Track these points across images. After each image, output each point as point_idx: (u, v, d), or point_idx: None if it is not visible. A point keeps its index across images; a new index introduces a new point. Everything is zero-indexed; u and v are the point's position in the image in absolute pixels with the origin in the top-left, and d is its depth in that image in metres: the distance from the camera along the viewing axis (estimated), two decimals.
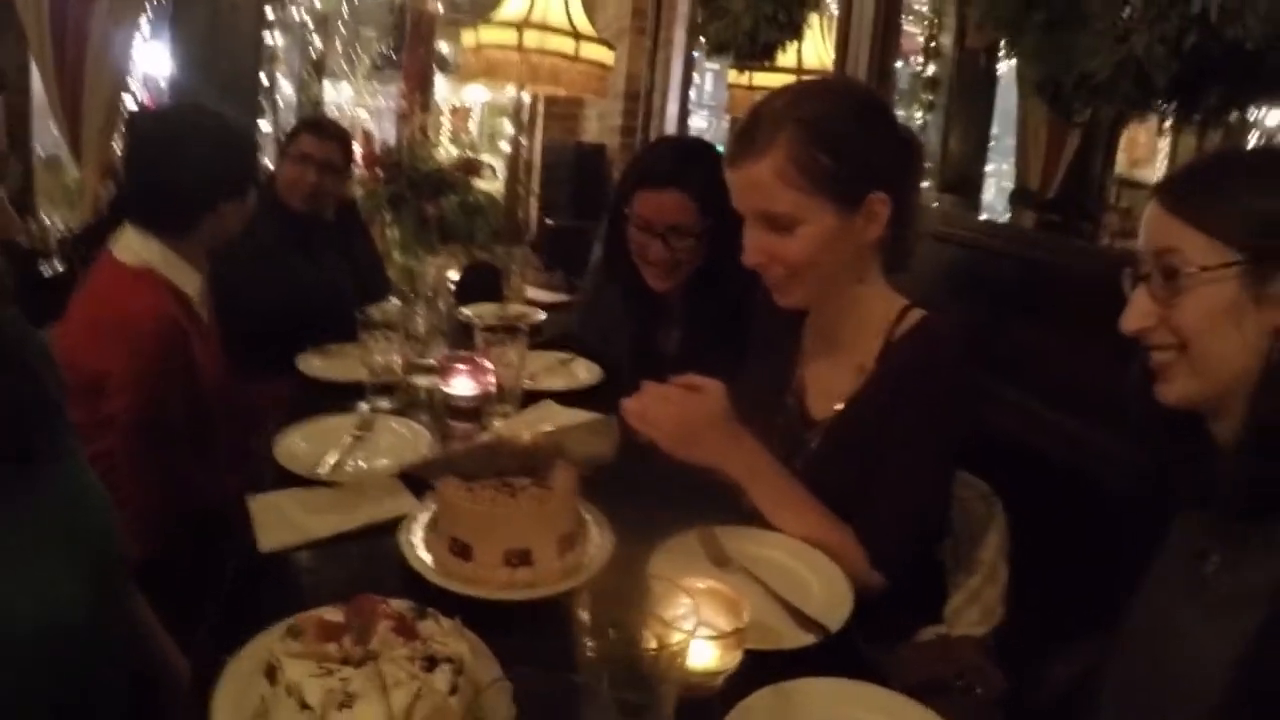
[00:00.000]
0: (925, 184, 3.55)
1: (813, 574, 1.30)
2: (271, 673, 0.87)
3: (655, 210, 2.05)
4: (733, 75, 4.12)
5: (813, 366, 1.63)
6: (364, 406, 1.89)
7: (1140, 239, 1.07)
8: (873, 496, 1.42)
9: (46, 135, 4.61)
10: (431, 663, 0.86)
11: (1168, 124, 1.76)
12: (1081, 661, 1.39)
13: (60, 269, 4.04)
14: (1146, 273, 1.04)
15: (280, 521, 1.39)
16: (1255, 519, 0.98)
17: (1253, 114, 1.86)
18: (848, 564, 1.35)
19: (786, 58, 3.67)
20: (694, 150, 2.25)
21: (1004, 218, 3.44)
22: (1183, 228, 1.00)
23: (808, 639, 1.13)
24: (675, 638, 0.86)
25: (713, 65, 5.27)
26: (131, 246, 2.04)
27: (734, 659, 1.03)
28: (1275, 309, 0.95)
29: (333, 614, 0.94)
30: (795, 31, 3.53)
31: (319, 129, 3.08)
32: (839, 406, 1.53)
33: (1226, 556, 1.02)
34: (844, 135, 1.41)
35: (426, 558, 1.26)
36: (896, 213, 1.46)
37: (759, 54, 3.63)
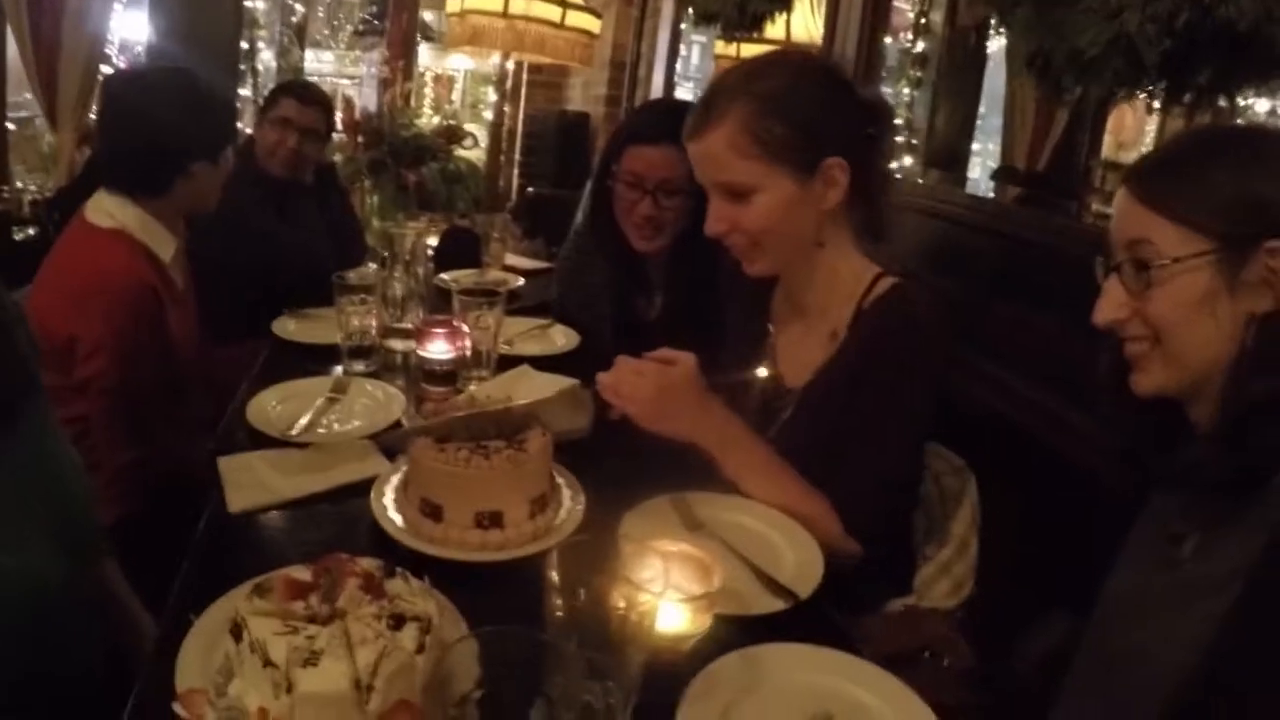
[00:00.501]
0: (909, 160, 3.56)
1: (785, 541, 1.30)
2: (237, 631, 0.86)
3: (646, 165, 2.04)
4: (720, 46, 4.10)
5: (785, 335, 1.64)
6: (338, 370, 1.88)
7: (1111, 228, 1.06)
8: (846, 463, 1.42)
9: (19, 99, 4.55)
10: (399, 621, 0.85)
11: (1156, 106, 1.75)
12: (1051, 637, 1.40)
13: (33, 233, 4.00)
14: (1118, 263, 1.03)
15: (251, 482, 1.38)
16: (1230, 502, 0.98)
17: (1241, 101, 1.86)
18: (822, 531, 1.35)
19: (775, 29, 3.66)
20: (686, 109, 2.23)
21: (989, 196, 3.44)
22: (1153, 217, 0.99)
23: (777, 605, 1.13)
24: (643, 600, 0.86)
25: (700, 37, 5.25)
26: (106, 209, 2.01)
27: (704, 623, 1.03)
28: (1249, 295, 0.95)
29: (301, 573, 0.93)
30: (784, 3, 3.51)
31: (301, 94, 3.03)
32: (811, 375, 1.54)
33: (1202, 539, 1.02)
34: (797, 103, 1.42)
35: (397, 519, 1.25)
36: (861, 179, 1.47)
37: (747, 25, 3.61)
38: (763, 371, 1.63)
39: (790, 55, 1.54)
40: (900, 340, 1.45)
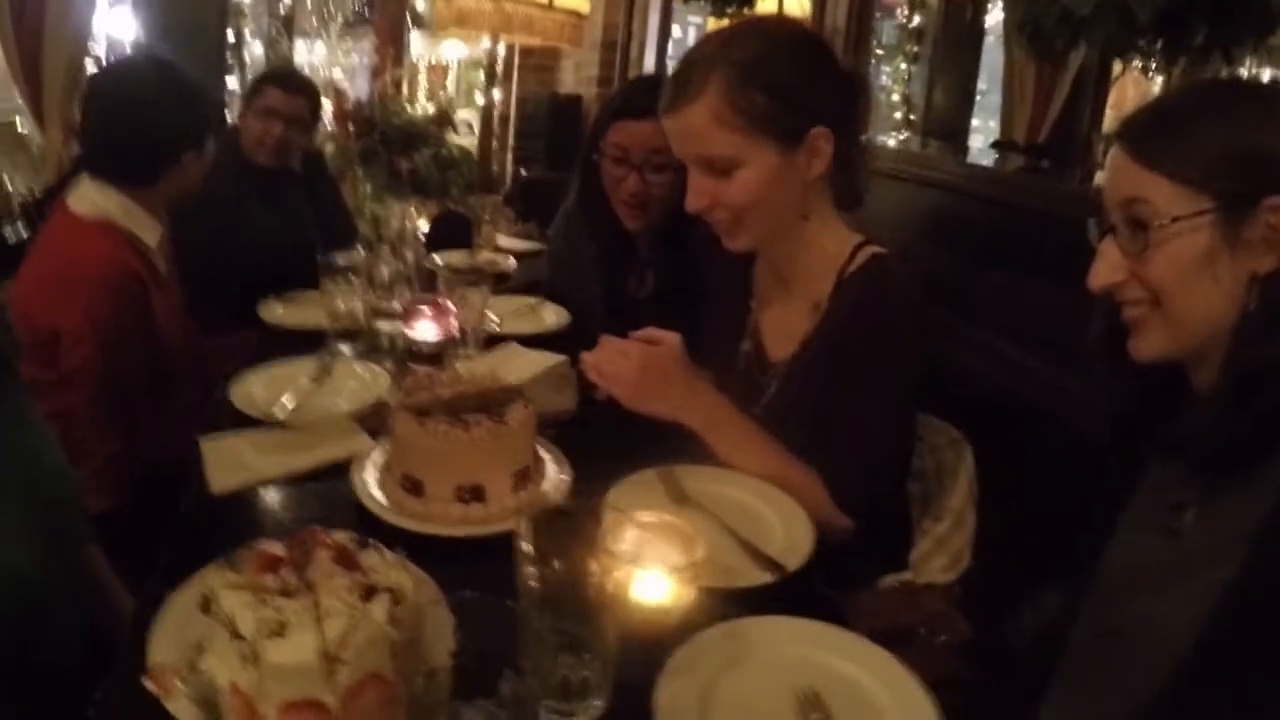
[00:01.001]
0: (906, 135, 3.53)
1: (774, 514, 1.28)
2: (206, 604, 0.85)
3: (634, 139, 2.01)
4: (711, 24, 4.07)
5: (767, 309, 1.61)
6: (324, 352, 1.86)
7: (1105, 187, 1.02)
8: (833, 438, 1.40)
9: (6, 100, 4.54)
10: (370, 593, 0.83)
11: (1154, 69, 1.72)
12: (1049, 609, 1.38)
13: (24, 233, 3.98)
14: (1113, 224, 1.00)
15: (233, 463, 1.37)
16: (1232, 468, 0.95)
17: (1242, 70, 1.83)
18: (812, 506, 1.33)
19: (766, 5, 3.63)
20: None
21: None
22: (1149, 175, 0.95)
23: (764, 578, 1.12)
24: (616, 569, 0.84)
25: (694, 18, 5.21)
26: (89, 198, 1.99)
27: (687, 595, 1.01)
28: (1250, 253, 0.91)
29: (273, 546, 0.91)
30: None
31: (286, 83, 3.00)
32: (792, 349, 1.51)
33: (1203, 508, 1.00)
34: (779, 72, 1.38)
35: (379, 495, 1.24)
36: (842, 148, 1.43)
37: (738, 2, 3.58)
38: (746, 345, 1.61)
39: (768, 21, 1.52)
40: (881, 312, 1.42)
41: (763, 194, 1.41)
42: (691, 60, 1.42)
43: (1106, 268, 1.00)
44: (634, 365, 1.38)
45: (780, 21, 1.54)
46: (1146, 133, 0.98)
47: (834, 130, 1.41)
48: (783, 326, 1.56)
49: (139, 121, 1.99)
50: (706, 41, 1.46)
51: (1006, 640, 1.46)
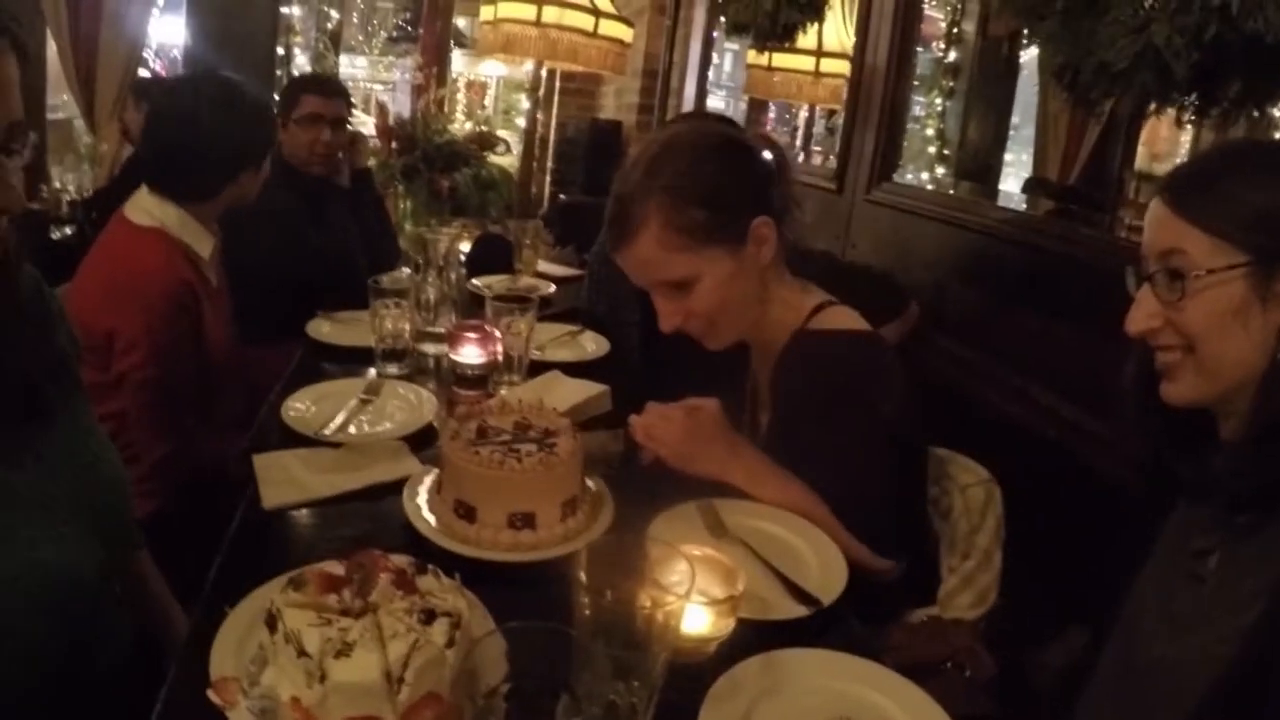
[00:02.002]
0: (941, 171, 3.55)
1: (809, 548, 1.31)
2: (272, 621, 0.88)
3: None
4: (752, 56, 4.10)
5: (758, 379, 1.69)
6: (372, 372, 1.91)
7: (1144, 238, 1.06)
8: (827, 495, 1.43)
9: (56, 100, 4.64)
10: (430, 616, 0.87)
11: (1187, 118, 1.74)
12: (1073, 648, 1.40)
13: (70, 232, 4.07)
14: (1151, 273, 1.03)
15: (284, 479, 1.41)
16: (1257, 516, 0.98)
17: (1278, 113, 1.84)
18: (854, 554, 1.36)
19: (806, 39, 3.66)
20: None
21: (1022, 208, 3.43)
22: (1187, 228, 0.99)
23: (800, 611, 1.14)
24: (669, 601, 0.88)
25: (732, 45, 5.25)
26: (146, 208, 2.06)
27: (727, 626, 1.05)
28: None
29: (334, 567, 0.96)
30: (816, 12, 3.51)
31: (322, 88, 3.05)
32: (764, 420, 1.60)
33: (1226, 554, 1.02)
34: (706, 182, 1.46)
35: (430, 518, 1.27)
36: (779, 220, 1.52)
37: (779, 35, 3.61)
38: (745, 416, 1.69)
39: (680, 137, 1.54)
40: (806, 373, 1.50)
41: (726, 296, 1.50)
42: (622, 197, 1.50)
43: (1143, 314, 1.04)
44: (678, 429, 1.44)
45: (691, 130, 1.58)
46: (1186, 188, 1.02)
47: (770, 213, 1.50)
48: (765, 395, 1.64)
49: (200, 143, 2.05)
50: (630, 172, 1.51)
51: (1030, 677, 1.48)
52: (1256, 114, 1.68)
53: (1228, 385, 1.00)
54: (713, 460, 1.44)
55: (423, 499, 1.32)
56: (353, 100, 3.20)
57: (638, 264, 1.51)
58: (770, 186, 1.54)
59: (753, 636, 1.07)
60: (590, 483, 1.37)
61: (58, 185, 4.57)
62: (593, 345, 2.24)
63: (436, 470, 1.36)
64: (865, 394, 1.47)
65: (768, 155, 1.57)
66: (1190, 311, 0.99)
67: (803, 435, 1.47)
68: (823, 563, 1.28)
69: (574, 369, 1.96)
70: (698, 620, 1.02)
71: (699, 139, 1.53)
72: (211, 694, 0.89)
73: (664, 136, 1.56)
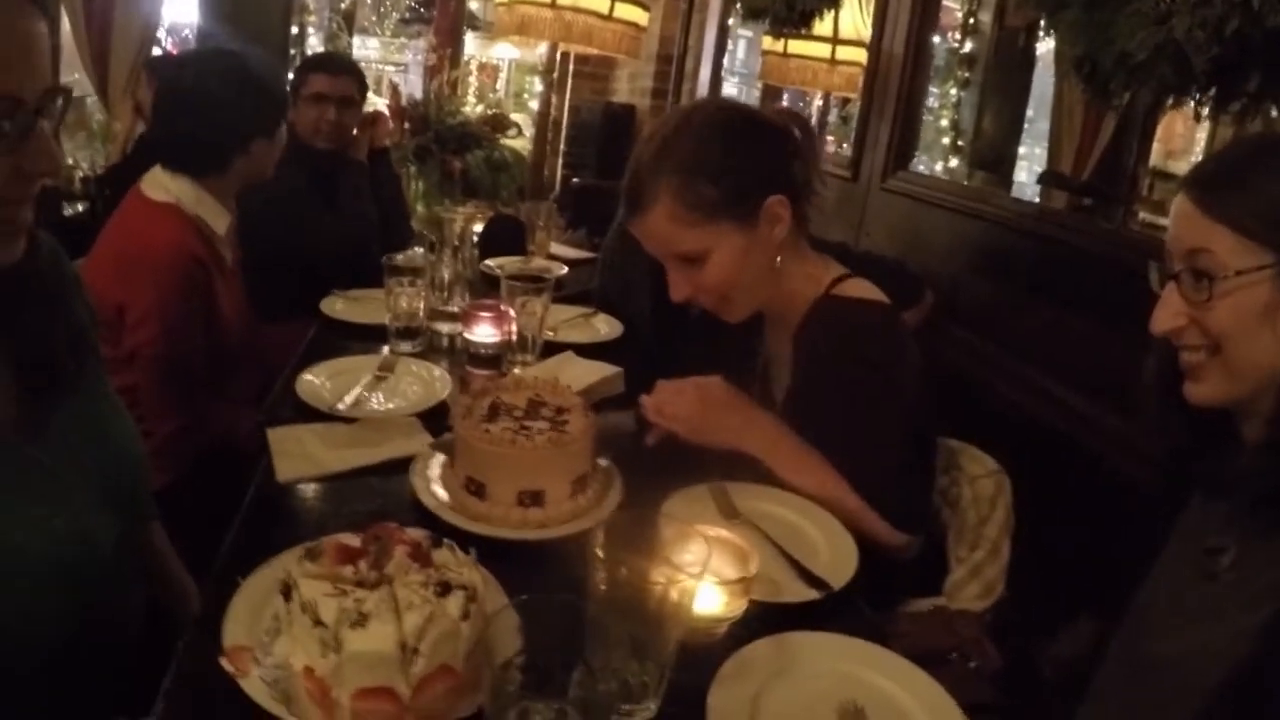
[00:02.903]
0: (955, 162, 3.54)
1: (819, 533, 1.32)
2: (288, 591, 0.89)
3: None
4: (767, 42, 4.09)
5: (772, 349, 1.70)
6: (385, 350, 1.91)
7: (1169, 235, 1.04)
8: (839, 463, 1.44)
9: (69, 78, 4.63)
10: (445, 589, 0.88)
11: (1205, 113, 1.73)
12: (1080, 640, 1.40)
13: (82, 209, 4.07)
14: (1177, 271, 1.02)
15: (298, 453, 1.41)
16: (1272, 516, 0.98)
17: None
18: (869, 526, 1.38)
19: (823, 26, 3.64)
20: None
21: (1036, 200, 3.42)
22: (1214, 226, 0.97)
23: (811, 594, 1.15)
24: (684, 579, 0.88)
25: (747, 32, 5.23)
26: (161, 183, 2.06)
27: (739, 607, 1.06)
28: None
29: (350, 539, 0.96)
30: (833, 0, 3.50)
31: (329, 66, 3.07)
32: (786, 385, 1.59)
33: (1241, 553, 1.01)
34: (718, 160, 1.47)
35: (441, 494, 1.28)
36: (799, 202, 1.53)
37: (796, 21, 3.60)
38: (755, 387, 1.68)
39: (694, 114, 1.55)
40: (837, 352, 1.49)
41: (737, 271, 1.52)
42: (636, 171, 1.52)
43: (1169, 313, 1.03)
44: (691, 399, 1.46)
45: (705, 108, 1.59)
46: (1213, 184, 1.00)
47: (786, 192, 1.51)
48: (779, 366, 1.65)
49: (208, 113, 2.05)
50: (644, 148, 1.53)
51: (1037, 669, 1.48)
52: (1275, 111, 1.67)
53: (1252, 386, 0.99)
54: (729, 430, 1.45)
55: (434, 474, 1.33)
56: (365, 80, 3.20)
57: (650, 236, 1.54)
58: (788, 164, 1.54)
59: (762, 618, 1.08)
60: (601, 461, 1.38)
61: (70, 162, 4.58)
62: (606, 327, 2.25)
63: (449, 446, 1.36)
64: (888, 362, 1.48)
65: (796, 133, 1.58)
66: (1218, 312, 0.98)
67: (825, 400, 1.47)
68: (833, 547, 1.28)
69: (587, 350, 1.96)
70: (710, 600, 1.03)
71: (714, 117, 1.54)
72: (225, 662, 0.90)
73: (680, 113, 1.57)
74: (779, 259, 1.55)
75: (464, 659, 0.86)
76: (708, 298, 1.55)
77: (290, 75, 3.20)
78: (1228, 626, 0.97)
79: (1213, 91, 1.65)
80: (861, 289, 1.57)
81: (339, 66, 3.09)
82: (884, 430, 1.44)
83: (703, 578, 0.91)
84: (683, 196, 1.46)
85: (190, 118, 2.07)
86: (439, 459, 1.36)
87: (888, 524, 1.41)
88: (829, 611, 1.14)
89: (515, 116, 6.19)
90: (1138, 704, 1.10)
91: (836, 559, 1.25)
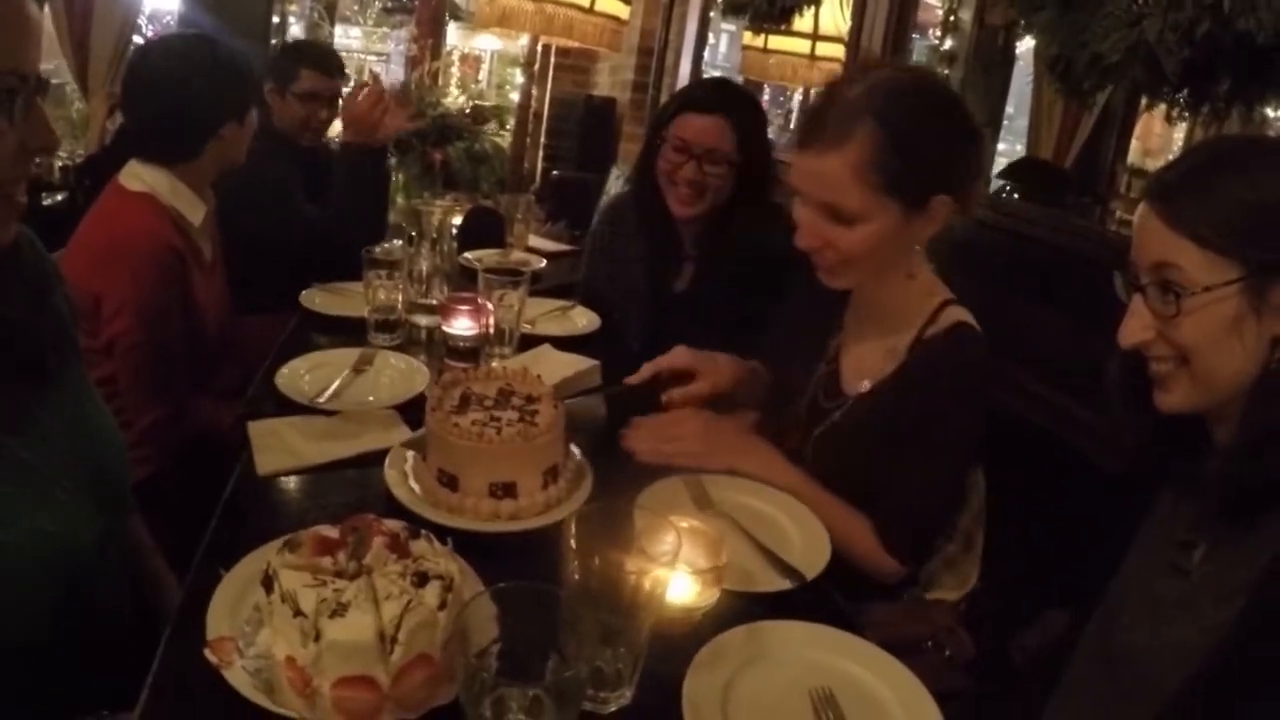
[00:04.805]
0: None
1: (793, 524, 1.34)
2: (268, 582, 0.90)
3: (696, 132, 2.16)
4: (748, 37, 4.11)
5: (850, 340, 1.64)
6: (365, 343, 1.92)
7: (1134, 247, 1.04)
8: (889, 487, 1.46)
9: (49, 66, 4.59)
10: (422, 579, 0.89)
11: (1176, 113, 1.76)
12: (1052, 630, 1.43)
13: (61, 199, 4.04)
14: (1143, 285, 1.02)
15: (278, 446, 1.42)
16: (1243, 517, 0.99)
17: (1271, 113, 1.86)
18: (861, 550, 1.41)
19: (803, 22, 3.67)
20: (740, 90, 2.45)
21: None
22: (1178, 240, 0.97)
23: (784, 584, 1.17)
24: (656, 569, 0.90)
25: (729, 26, 5.24)
26: (138, 174, 2.05)
27: (711, 596, 1.07)
28: (1274, 317, 0.95)
29: (329, 531, 0.97)
30: None
31: (324, 65, 3.04)
32: (865, 386, 1.55)
33: (1211, 548, 1.03)
34: (923, 140, 1.39)
35: (415, 486, 1.29)
36: (959, 210, 1.46)
37: (776, 17, 3.62)
38: (822, 370, 1.65)
39: (922, 79, 1.49)
40: (955, 382, 1.46)
41: (876, 247, 1.44)
42: (834, 100, 1.42)
43: (1138, 326, 1.03)
44: (696, 429, 1.49)
45: (929, 82, 1.53)
46: (1176, 196, 1.00)
47: (954, 197, 1.43)
48: (860, 361, 1.60)
49: (174, 96, 2.04)
50: (852, 83, 1.43)
51: (1009, 658, 1.51)
52: (1248, 114, 1.71)
53: (1223, 395, 1.00)
54: (734, 450, 1.48)
55: (408, 466, 1.33)
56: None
57: (815, 174, 1.42)
58: (969, 171, 1.49)
59: (737, 608, 1.10)
60: (575, 450, 1.39)
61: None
62: (583, 320, 2.25)
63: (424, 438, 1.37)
64: (982, 405, 1.48)
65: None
66: (1186, 327, 0.98)
67: (917, 423, 1.45)
68: (806, 538, 1.30)
69: (564, 343, 1.97)
70: (682, 589, 1.04)
71: (935, 91, 1.49)
72: (208, 653, 0.91)
73: (900, 72, 1.50)
74: (910, 262, 1.51)
75: (442, 648, 0.87)
76: (830, 255, 1.47)
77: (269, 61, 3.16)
78: (1199, 620, 0.99)
79: (1185, 93, 1.69)
80: (967, 317, 1.54)
81: (333, 66, 3.06)
82: (945, 469, 1.47)
83: (674, 567, 0.92)
84: (873, 155, 1.37)
85: (157, 103, 2.06)
86: (412, 451, 1.37)
87: (881, 550, 1.44)
88: (802, 601, 1.16)
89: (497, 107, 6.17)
90: (1109, 694, 1.12)
91: (809, 549, 1.27)
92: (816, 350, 1.67)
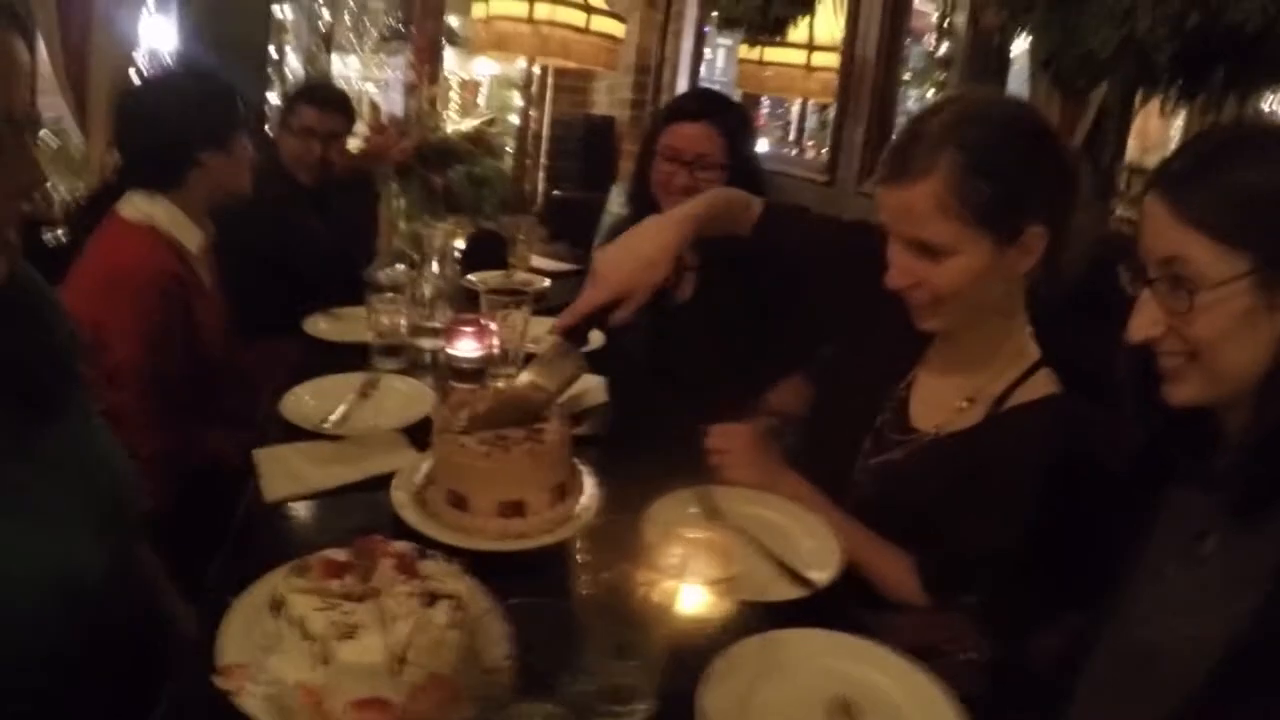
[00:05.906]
0: None
1: (803, 532, 1.33)
2: (277, 607, 0.90)
3: (685, 140, 2.21)
4: (744, 50, 4.12)
5: (927, 374, 1.58)
6: (370, 367, 1.92)
7: (1143, 240, 1.02)
8: (944, 533, 1.40)
9: (45, 104, 4.62)
10: (432, 599, 0.89)
11: (1171, 107, 1.76)
12: (1070, 631, 1.41)
13: (62, 236, 4.06)
14: (1152, 279, 1.00)
15: (285, 473, 1.43)
16: (1256, 508, 0.98)
17: (1265, 107, 1.85)
18: (892, 585, 1.38)
19: (798, 33, 3.68)
20: (723, 97, 2.53)
21: None
22: (1188, 233, 0.95)
23: (796, 593, 1.17)
24: (665, 583, 0.89)
25: (724, 40, 5.25)
26: (136, 204, 2.07)
27: (724, 607, 1.07)
28: None
29: (337, 554, 0.97)
30: (807, 6, 3.54)
31: (320, 100, 3.05)
32: (934, 429, 1.50)
33: (1225, 539, 1.02)
34: (1009, 166, 1.33)
35: (423, 509, 1.29)
36: (1052, 245, 1.38)
37: (771, 29, 3.64)
38: (893, 399, 1.59)
39: (1006, 104, 1.45)
40: (1036, 456, 1.40)
41: (968, 284, 1.37)
42: (919, 134, 1.37)
43: (1146, 321, 1.01)
44: (744, 442, 1.49)
45: (1015, 106, 1.47)
46: (1184, 187, 0.97)
47: (1049, 228, 1.36)
48: (934, 398, 1.54)
49: (149, 127, 2.08)
50: (936, 113, 1.39)
51: (1027, 660, 1.49)
52: (1243, 105, 1.70)
53: (1234, 387, 0.98)
54: (769, 471, 1.48)
55: (416, 488, 1.34)
56: (353, 110, 3.21)
57: (903, 209, 1.37)
58: (1064, 199, 1.41)
59: (750, 619, 1.09)
60: (582, 466, 1.39)
61: (48, 185, 4.56)
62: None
63: (429, 462, 1.37)
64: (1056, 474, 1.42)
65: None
66: (1197, 323, 0.96)
67: (981, 495, 1.39)
68: (816, 546, 1.30)
69: None
70: (695, 601, 1.04)
71: (1019, 115, 1.43)
72: (219, 680, 0.91)
73: (983, 96, 1.47)
74: (1005, 303, 1.45)
75: (454, 666, 0.87)
76: (922, 294, 1.41)
77: (274, 97, 3.20)
78: (1216, 612, 0.97)
79: (1177, 86, 1.69)
80: (1053, 387, 1.47)
81: (328, 101, 3.07)
82: (1003, 531, 1.39)
83: (684, 579, 0.92)
84: (958, 184, 1.31)
85: (138, 132, 2.10)
86: (420, 473, 1.37)
87: (914, 585, 1.39)
88: (815, 609, 1.15)
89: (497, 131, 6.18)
90: (1128, 692, 1.11)
91: (820, 557, 1.27)
92: (889, 377, 1.60)
